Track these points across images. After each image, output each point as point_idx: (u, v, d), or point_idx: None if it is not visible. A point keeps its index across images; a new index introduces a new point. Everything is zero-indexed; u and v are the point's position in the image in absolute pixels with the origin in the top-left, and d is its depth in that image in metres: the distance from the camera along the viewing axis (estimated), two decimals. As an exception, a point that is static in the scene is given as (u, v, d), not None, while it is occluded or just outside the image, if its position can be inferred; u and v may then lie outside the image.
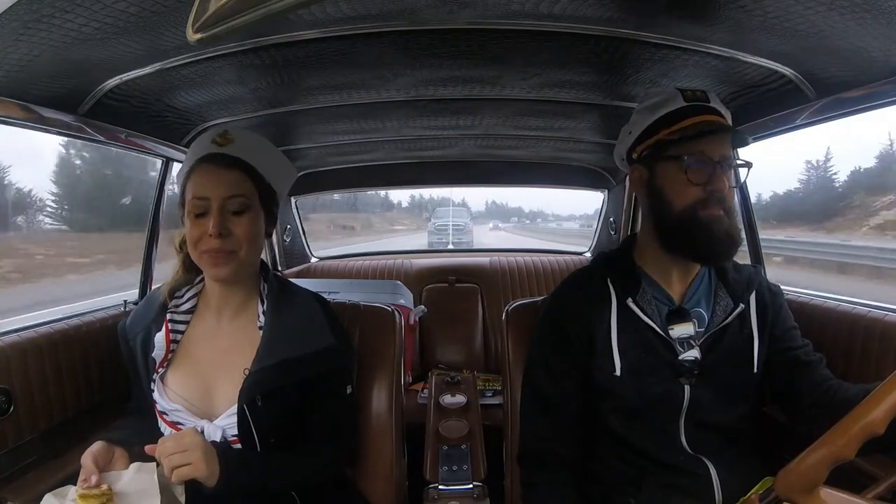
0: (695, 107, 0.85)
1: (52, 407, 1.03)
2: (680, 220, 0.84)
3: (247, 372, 0.83)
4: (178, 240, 0.93)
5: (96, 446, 0.78)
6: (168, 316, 0.90)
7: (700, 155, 0.82)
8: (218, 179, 0.83)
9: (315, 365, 0.87)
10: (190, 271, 0.93)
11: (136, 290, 1.37)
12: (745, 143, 0.89)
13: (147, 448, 0.77)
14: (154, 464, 0.76)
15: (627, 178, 0.97)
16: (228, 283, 0.88)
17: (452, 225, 15.34)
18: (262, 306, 0.90)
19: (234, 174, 0.85)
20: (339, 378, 0.92)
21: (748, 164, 0.90)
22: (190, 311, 0.92)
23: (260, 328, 0.88)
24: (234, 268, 0.84)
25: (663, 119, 0.86)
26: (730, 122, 0.88)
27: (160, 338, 0.88)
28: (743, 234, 1.00)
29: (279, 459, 0.84)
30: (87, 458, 0.76)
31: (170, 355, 0.88)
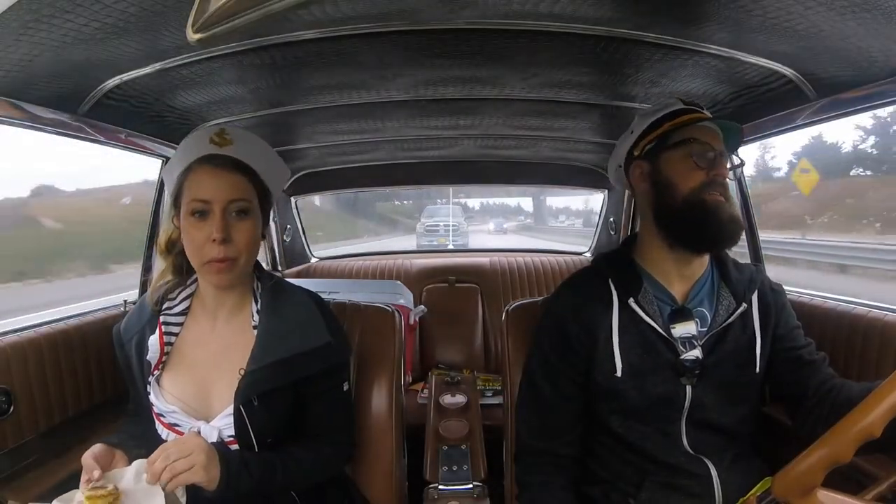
0: (693, 109, 0.91)
1: (52, 407, 1.03)
2: (686, 204, 0.86)
3: (242, 372, 0.83)
4: (163, 240, 0.91)
5: (97, 448, 0.77)
6: (161, 318, 0.89)
7: (703, 142, 0.87)
8: (220, 182, 0.82)
9: (311, 363, 0.87)
10: (180, 273, 0.92)
11: (136, 291, 1.37)
12: (738, 144, 0.93)
13: (150, 459, 0.75)
14: None
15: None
16: (225, 286, 0.88)
17: (445, 225, 14.61)
18: (256, 306, 0.90)
19: (236, 177, 0.84)
20: (336, 375, 0.92)
21: (742, 163, 0.93)
22: (183, 313, 0.91)
23: (255, 328, 0.88)
24: (235, 274, 0.84)
25: (666, 116, 0.91)
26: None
27: (154, 341, 0.87)
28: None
29: (280, 460, 0.84)
30: (88, 457, 0.75)
31: (164, 358, 0.88)
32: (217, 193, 0.82)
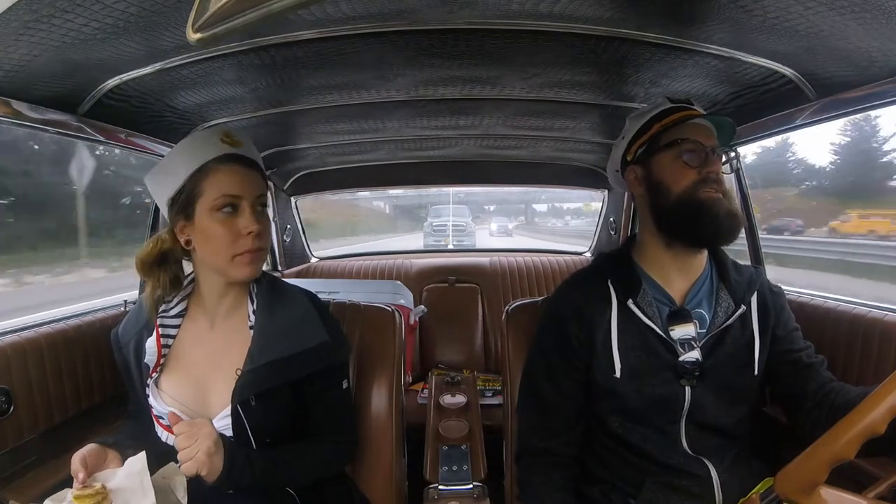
0: (682, 107, 0.91)
1: (52, 407, 1.03)
2: (680, 203, 0.86)
3: (239, 372, 0.84)
4: (154, 253, 0.87)
5: (87, 448, 0.78)
6: (158, 321, 0.89)
7: (693, 141, 0.86)
8: (248, 178, 0.86)
9: (308, 363, 0.87)
10: (176, 286, 0.91)
11: (136, 291, 1.37)
12: (731, 138, 0.92)
13: (171, 416, 0.80)
14: (144, 456, 0.76)
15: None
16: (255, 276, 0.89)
17: (453, 225, 14.61)
18: (253, 306, 0.90)
19: (256, 174, 0.88)
20: (334, 373, 0.93)
21: (736, 155, 0.92)
22: (180, 315, 0.91)
23: (251, 328, 0.88)
24: (262, 265, 0.88)
25: (655, 117, 0.91)
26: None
27: (151, 343, 0.88)
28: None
29: (283, 458, 0.85)
30: (76, 459, 0.76)
31: (162, 360, 0.88)
32: (247, 189, 0.85)
